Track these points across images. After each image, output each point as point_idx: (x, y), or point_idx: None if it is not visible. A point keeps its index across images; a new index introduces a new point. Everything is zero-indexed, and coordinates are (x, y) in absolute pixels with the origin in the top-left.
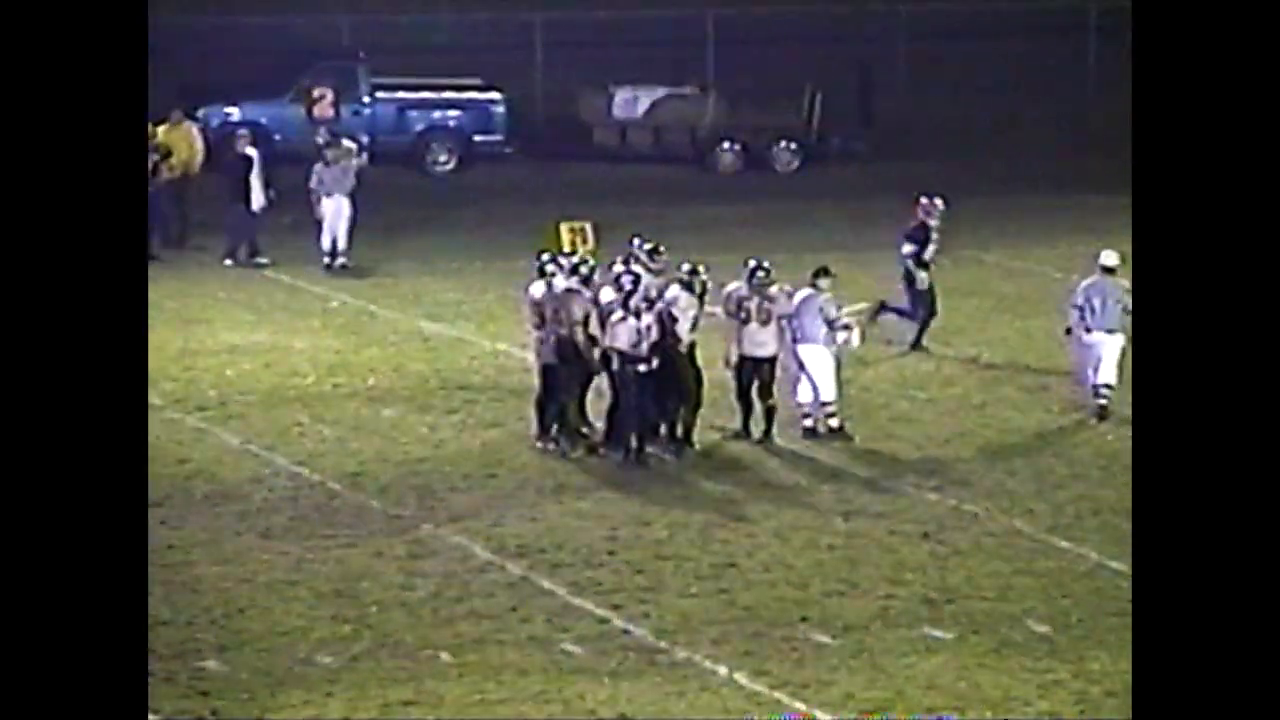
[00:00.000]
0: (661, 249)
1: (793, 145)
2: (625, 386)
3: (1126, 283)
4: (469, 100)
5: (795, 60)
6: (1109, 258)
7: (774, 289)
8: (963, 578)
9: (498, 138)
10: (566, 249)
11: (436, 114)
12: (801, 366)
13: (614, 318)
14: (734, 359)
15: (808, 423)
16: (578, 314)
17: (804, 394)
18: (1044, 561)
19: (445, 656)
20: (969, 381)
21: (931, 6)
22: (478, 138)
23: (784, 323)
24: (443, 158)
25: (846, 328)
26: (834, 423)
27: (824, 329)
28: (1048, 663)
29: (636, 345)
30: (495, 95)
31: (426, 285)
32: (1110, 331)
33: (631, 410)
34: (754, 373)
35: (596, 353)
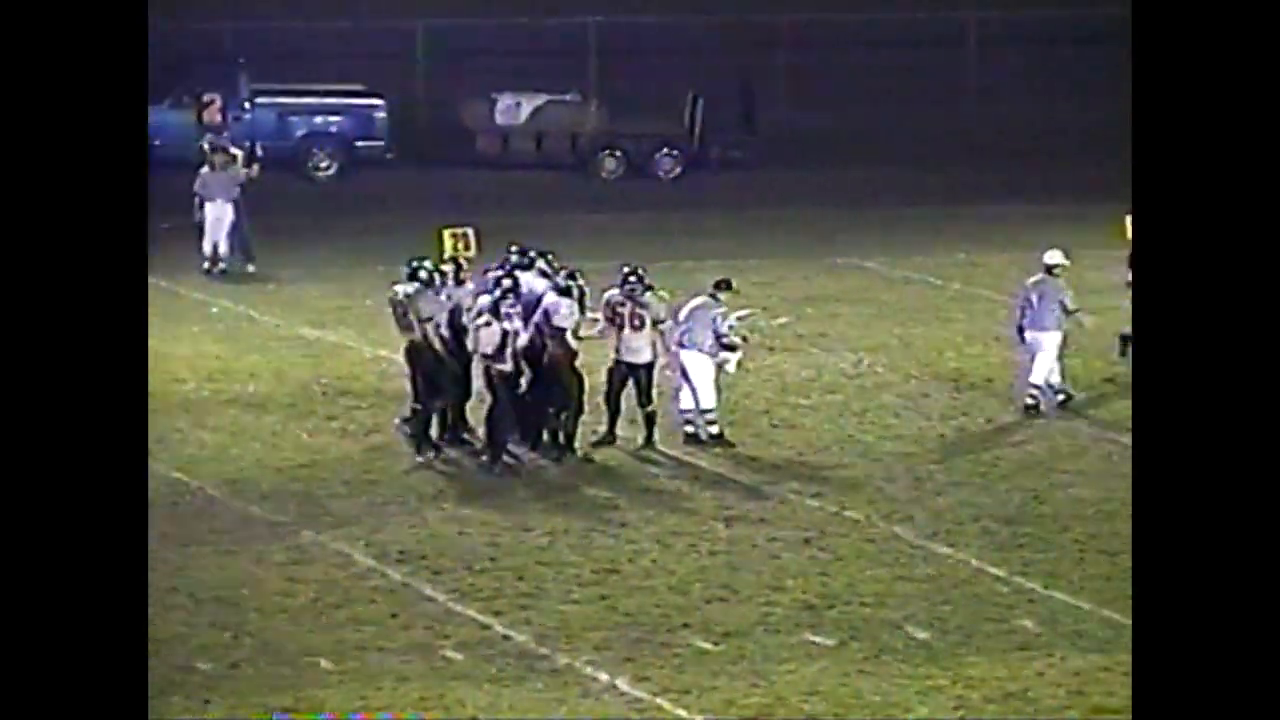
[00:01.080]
0: (549, 256)
1: (674, 153)
2: (495, 392)
3: (1064, 281)
4: (351, 106)
5: (677, 68)
6: (1053, 256)
7: (648, 295)
8: (843, 584)
9: (380, 143)
10: (449, 254)
11: (318, 119)
12: (684, 372)
13: (479, 322)
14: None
15: (689, 429)
16: (425, 311)
17: (686, 400)
18: (924, 568)
19: (325, 663)
20: (849, 388)
21: (813, 16)
22: (359, 143)
23: (671, 327)
24: (324, 163)
25: (732, 348)
26: (714, 430)
27: (711, 339)
28: (927, 669)
29: (501, 350)
30: (377, 101)
31: (307, 291)
32: (1045, 330)
33: (502, 415)
34: (629, 378)
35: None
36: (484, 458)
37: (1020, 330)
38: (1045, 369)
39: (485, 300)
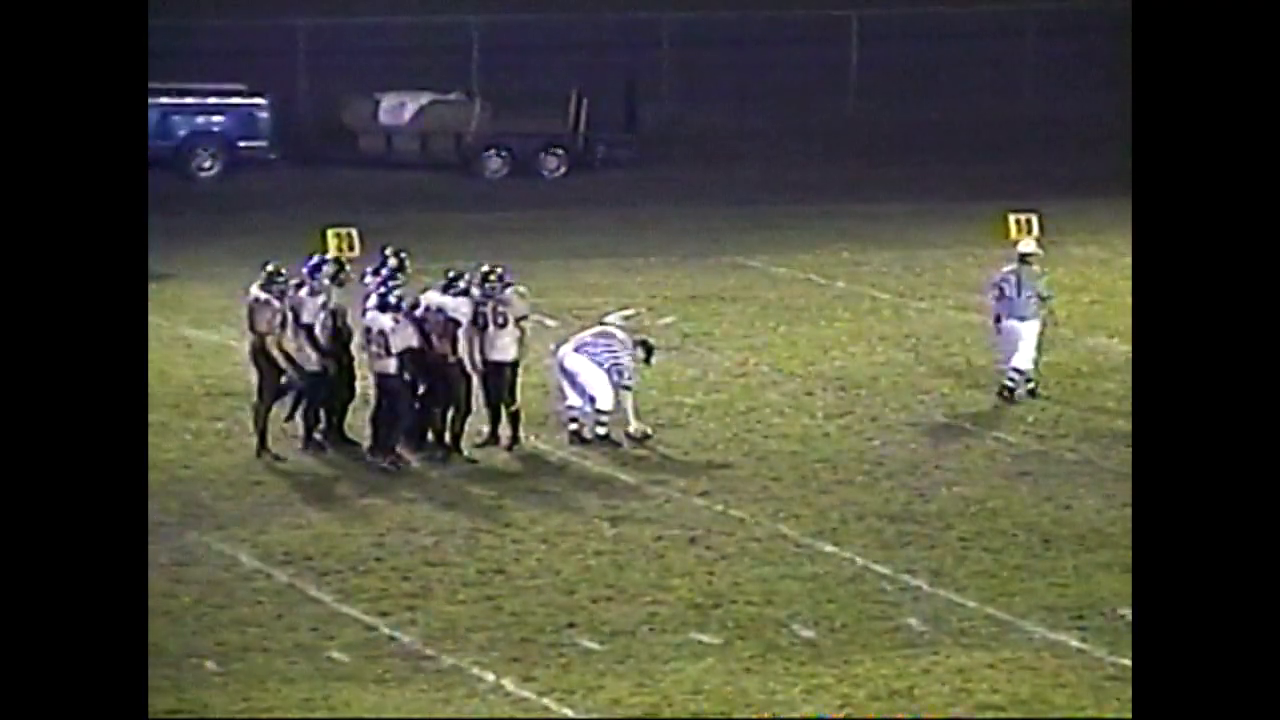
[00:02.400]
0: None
1: (559, 151)
2: (391, 392)
3: (1039, 269)
4: (233, 105)
5: (561, 67)
6: (1026, 245)
7: (508, 292)
8: (729, 583)
9: (262, 143)
10: (332, 254)
11: (200, 119)
12: (567, 373)
13: (389, 324)
14: (478, 365)
15: (573, 427)
16: (261, 325)
17: (572, 398)
18: (809, 566)
19: (210, 665)
20: (734, 387)
21: (697, 15)
22: (242, 143)
23: (571, 339)
24: (207, 163)
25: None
26: (601, 430)
27: (608, 363)
28: (813, 667)
29: (421, 347)
30: (260, 101)
31: (191, 291)
32: (1023, 319)
33: (391, 416)
34: (496, 377)
35: (303, 356)
36: (369, 458)
37: (997, 319)
38: (1027, 356)
39: (374, 303)
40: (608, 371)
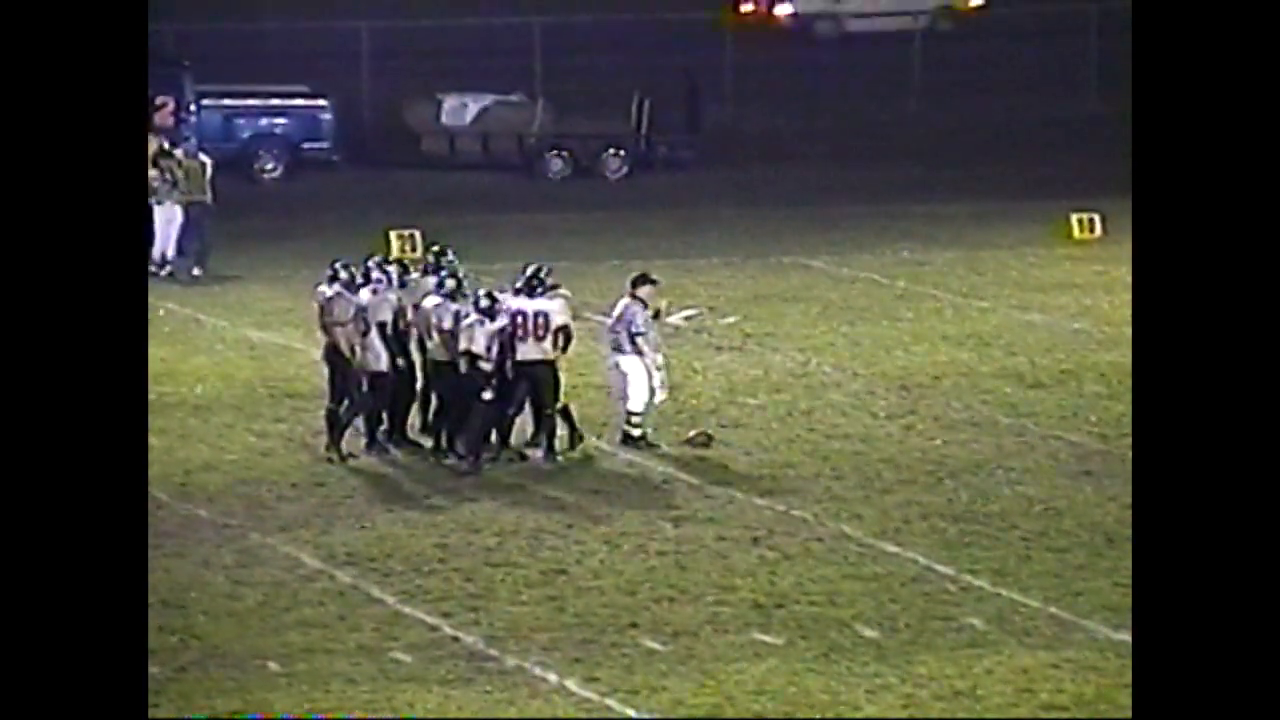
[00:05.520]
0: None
1: (621, 153)
2: (473, 393)
3: None
4: (296, 108)
5: (623, 68)
6: None
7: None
8: (791, 583)
9: (325, 145)
10: (394, 256)
11: (263, 121)
12: (623, 376)
13: (467, 321)
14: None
15: (635, 432)
16: (339, 314)
17: (634, 402)
18: (872, 566)
19: (274, 666)
20: (796, 388)
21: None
22: (305, 145)
23: (604, 333)
24: (270, 165)
25: (655, 314)
26: (635, 432)
27: (629, 342)
28: (876, 667)
29: (489, 350)
30: (323, 103)
31: (254, 293)
32: None
33: (461, 417)
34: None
35: (370, 356)
36: (434, 459)
37: None
38: None
39: (431, 301)
40: (638, 351)
